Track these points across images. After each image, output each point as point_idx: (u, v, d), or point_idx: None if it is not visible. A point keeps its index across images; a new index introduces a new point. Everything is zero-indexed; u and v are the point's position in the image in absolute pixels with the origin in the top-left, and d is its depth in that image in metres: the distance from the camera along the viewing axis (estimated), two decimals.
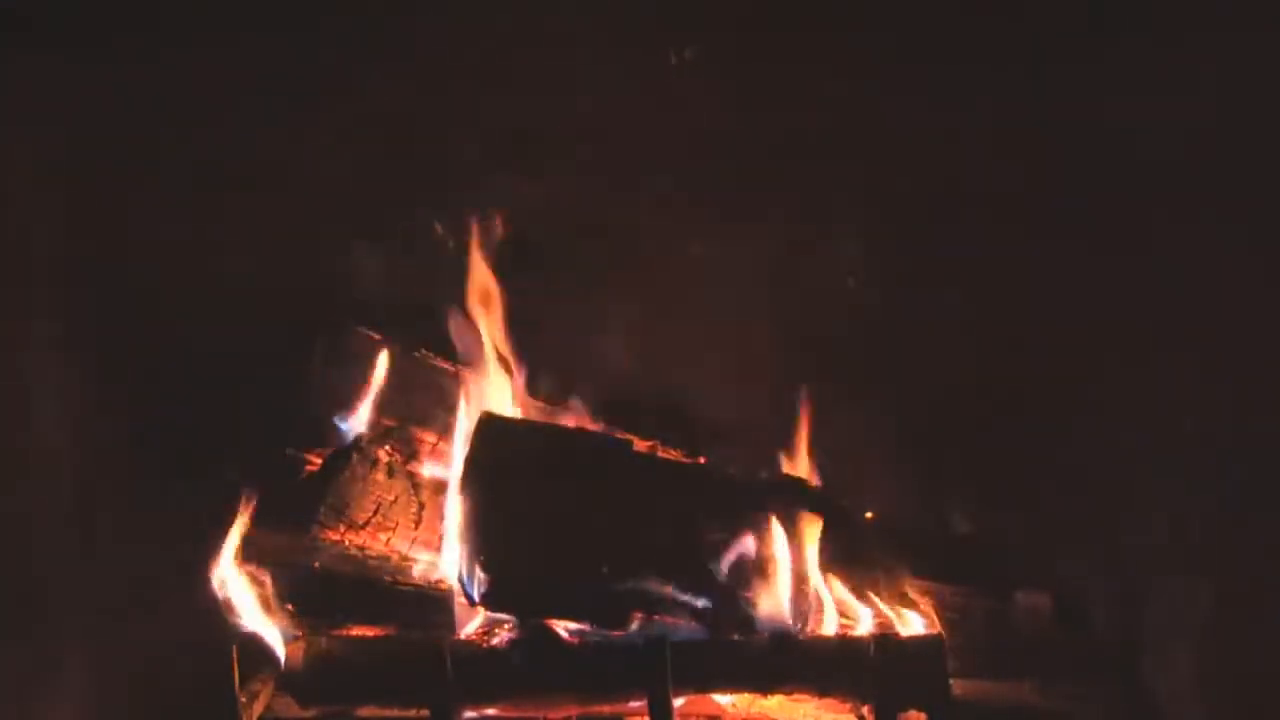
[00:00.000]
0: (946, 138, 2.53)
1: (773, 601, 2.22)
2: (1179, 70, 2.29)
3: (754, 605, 2.22)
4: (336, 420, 2.44)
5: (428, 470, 2.45)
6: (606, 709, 2.20)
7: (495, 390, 2.48)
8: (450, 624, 2.21)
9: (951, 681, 2.15)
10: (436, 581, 2.26)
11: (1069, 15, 2.45)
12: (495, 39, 2.56)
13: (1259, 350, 2.18)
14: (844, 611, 2.29)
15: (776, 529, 2.26)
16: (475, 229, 2.55)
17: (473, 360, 2.48)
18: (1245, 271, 2.19)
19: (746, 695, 2.23)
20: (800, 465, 2.50)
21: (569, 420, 2.44)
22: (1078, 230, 2.49)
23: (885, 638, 2.18)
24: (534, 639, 2.16)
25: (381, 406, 2.45)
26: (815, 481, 2.48)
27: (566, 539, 2.17)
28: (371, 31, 2.55)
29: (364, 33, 2.54)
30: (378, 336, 2.49)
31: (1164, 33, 2.32)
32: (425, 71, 2.56)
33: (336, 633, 2.19)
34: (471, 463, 2.20)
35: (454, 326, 2.49)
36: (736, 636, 2.19)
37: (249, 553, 2.22)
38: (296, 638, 2.16)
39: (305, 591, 2.20)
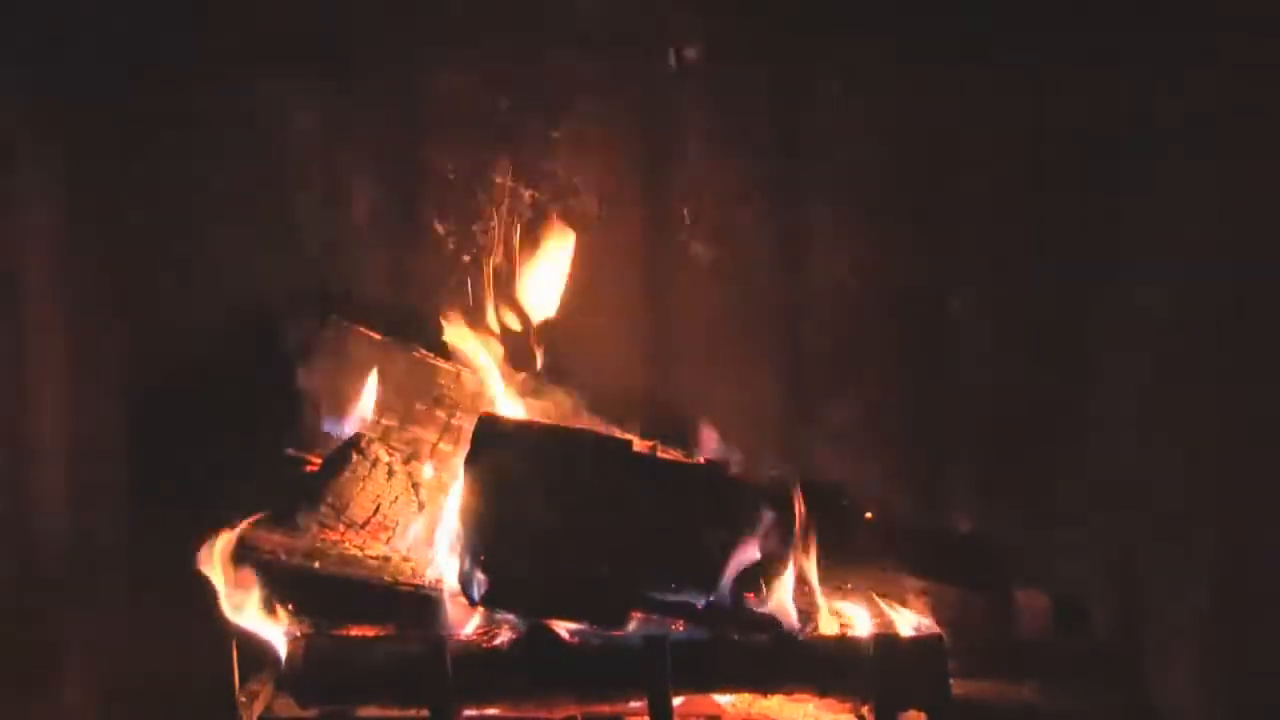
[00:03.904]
0: (953, 136, 2.54)
1: (773, 601, 2.22)
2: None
3: (754, 605, 2.22)
4: (336, 420, 2.44)
5: (428, 470, 2.45)
6: (606, 709, 2.20)
7: (497, 389, 2.48)
8: (449, 624, 2.21)
9: (951, 681, 2.15)
10: (436, 581, 2.26)
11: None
12: (495, 35, 2.57)
13: (1260, 349, 2.18)
14: (844, 611, 2.29)
15: (776, 529, 2.25)
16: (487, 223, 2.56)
17: (474, 359, 2.49)
18: (1246, 271, 2.19)
19: (746, 695, 2.23)
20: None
21: (569, 420, 2.44)
22: (1080, 229, 2.50)
23: (885, 638, 2.18)
24: (534, 639, 2.15)
25: (381, 406, 2.45)
26: (816, 481, 2.48)
27: (566, 539, 2.17)
28: (370, 29, 2.55)
29: (363, 29, 2.55)
30: (377, 336, 2.49)
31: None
32: (425, 69, 2.56)
33: (336, 633, 2.19)
34: (471, 462, 2.20)
35: (455, 326, 2.49)
36: (736, 636, 2.19)
37: (249, 553, 2.21)
38: (296, 638, 2.15)
39: (305, 591, 2.20)
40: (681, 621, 2.20)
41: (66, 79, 2.39)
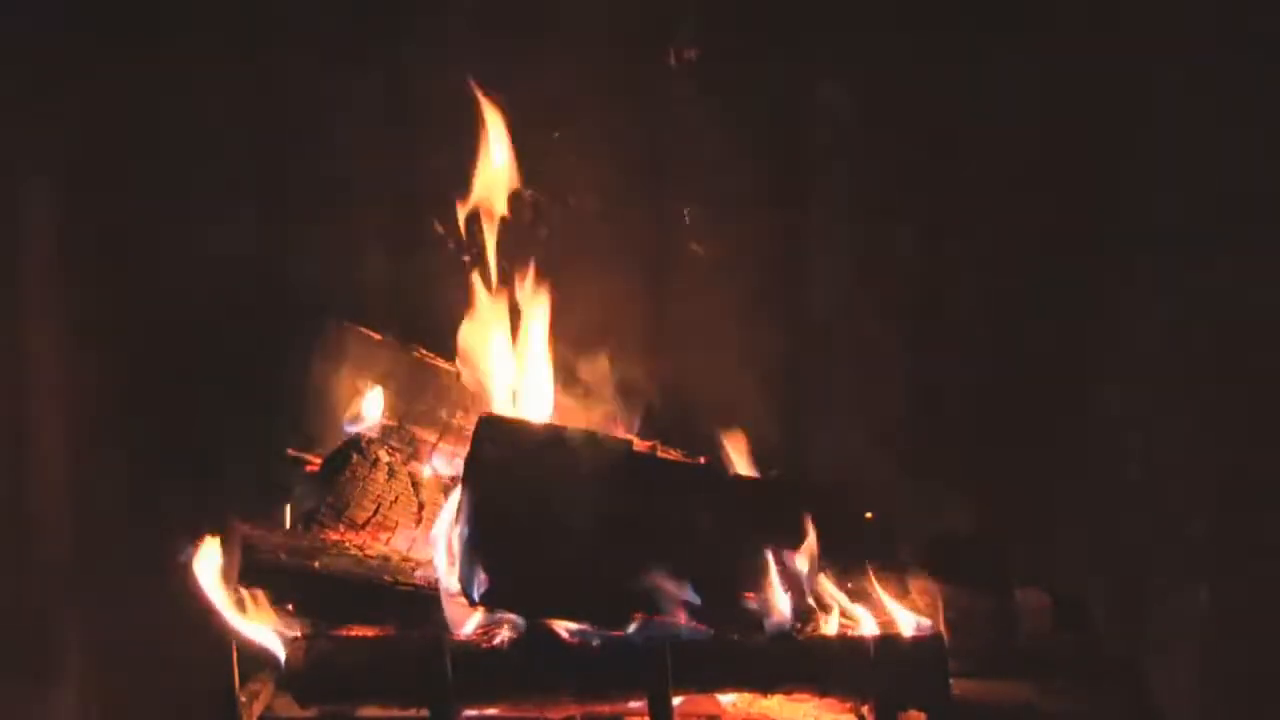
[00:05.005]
0: (954, 135, 2.54)
1: (773, 601, 2.22)
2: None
3: (754, 605, 2.21)
4: (336, 420, 2.44)
5: (428, 470, 2.45)
6: (606, 709, 2.20)
7: (498, 390, 2.48)
8: (449, 624, 2.21)
9: (951, 681, 2.15)
10: (436, 581, 2.25)
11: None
12: (496, 34, 2.57)
13: (1259, 351, 2.18)
14: (844, 611, 2.29)
15: (776, 529, 2.25)
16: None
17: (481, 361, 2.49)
18: (1246, 272, 2.19)
19: (746, 695, 2.23)
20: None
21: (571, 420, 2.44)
22: (1082, 232, 2.50)
23: (885, 638, 2.18)
24: (534, 639, 2.15)
25: (382, 406, 2.45)
26: (816, 481, 2.48)
27: (566, 539, 2.17)
28: (370, 29, 2.55)
29: (361, 30, 2.55)
30: (378, 336, 2.49)
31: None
32: (425, 69, 2.57)
33: (336, 633, 2.19)
34: (472, 462, 2.20)
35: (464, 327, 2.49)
36: (736, 636, 2.19)
37: (249, 552, 2.21)
38: (296, 638, 2.15)
39: (305, 591, 2.20)
40: (681, 621, 2.19)
41: (64, 67, 2.39)
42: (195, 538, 2.20)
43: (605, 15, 2.56)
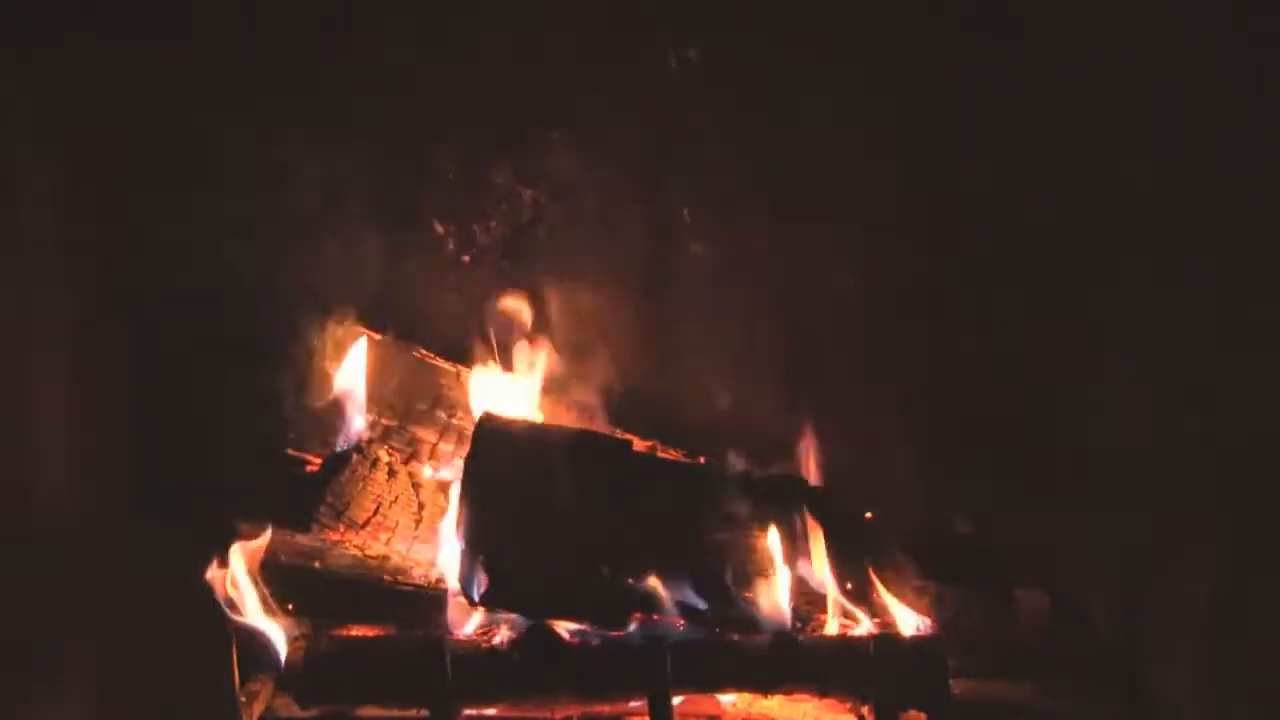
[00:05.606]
0: (956, 135, 2.54)
1: (773, 601, 2.23)
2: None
3: (754, 605, 2.22)
4: (337, 420, 2.44)
5: (428, 470, 2.46)
6: (606, 709, 2.20)
7: (499, 389, 2.49)
8: (449, 624, 2.21)
9: (951, 681, 2.15)
10: (436, 581, 2.26)
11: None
12: (496, 35, 2.57)
13: (1259, 350, 2.18)
14: (844, 611, 2.29)
15: (776, 529, 2.26)
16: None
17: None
18: (1245, 272, 2.19)
19: (746, 695, 2.23)
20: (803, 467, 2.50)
21: (571, 420, 2.45)
22: (1080, 233, 2.50)
23: (885, 638, 2.18)
24: (534, 639, 2.16)
25: (381, 406, 2.45)
26: (816, 481, 2.48)
27: (566, 539, 2.17)
28: (371, 29, 2.55)
29: (363, 29, 2.55)
30: (378, 336, 2.49)
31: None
32: (426, 69, 2.57)
33: (336, 633, 2.19)
34: (472, 462, 2.20)
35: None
36: (736, 636, 2.19)
37: (248, 553, 2.21)
38: (296, 638, 2.16)
39: (305, 591, 2.20)
40: (681, 621, 2.20)
41: (65, 67, 2.39)
42: (195, 538, 2.20)
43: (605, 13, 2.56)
